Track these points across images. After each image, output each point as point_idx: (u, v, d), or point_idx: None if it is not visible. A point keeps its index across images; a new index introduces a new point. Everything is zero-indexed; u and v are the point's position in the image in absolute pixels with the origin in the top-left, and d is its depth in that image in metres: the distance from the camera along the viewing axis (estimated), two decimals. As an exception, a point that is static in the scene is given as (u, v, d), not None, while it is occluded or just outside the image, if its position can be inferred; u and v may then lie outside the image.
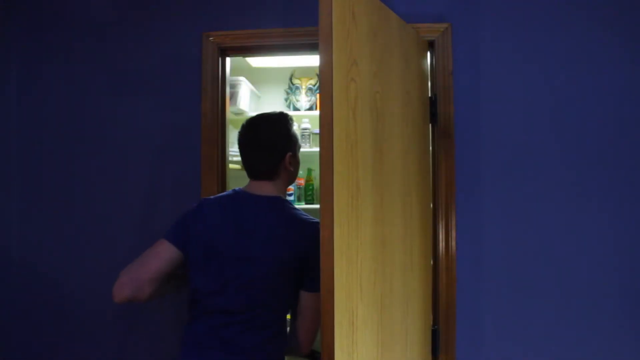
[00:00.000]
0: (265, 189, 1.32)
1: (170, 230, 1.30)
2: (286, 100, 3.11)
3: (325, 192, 1.03)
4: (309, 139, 2.93)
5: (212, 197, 1.37)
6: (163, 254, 1.26)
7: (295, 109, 3.05)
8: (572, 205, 1.59)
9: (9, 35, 1.84)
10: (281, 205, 1.31)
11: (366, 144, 1.18)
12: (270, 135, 1.32)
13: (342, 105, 1.08)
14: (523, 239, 1.61)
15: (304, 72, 3.10)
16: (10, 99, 1.83)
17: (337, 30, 1.06)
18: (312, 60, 2.76)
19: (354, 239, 1.10)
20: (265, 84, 3.12)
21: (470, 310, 1.61)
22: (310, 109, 3.03)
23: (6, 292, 1.81)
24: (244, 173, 1.37)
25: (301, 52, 2.11)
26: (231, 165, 1.97)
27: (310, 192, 2.96)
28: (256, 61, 2.80)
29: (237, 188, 1.36)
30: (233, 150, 2.27)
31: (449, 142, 1.63)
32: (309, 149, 2.91)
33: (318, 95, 2.87)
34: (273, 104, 3.11)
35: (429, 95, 1.67)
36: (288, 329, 1.34)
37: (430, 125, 1.67)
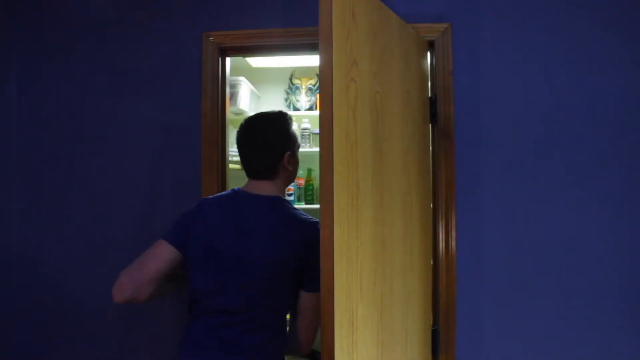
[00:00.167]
0: (265, 188, 1.31)
1: (170, 230, 1.30)
2: (286, 100, 3.11)
3: (325, 192, 1.03)
4: (309, 139, 2.93)
5: (211, 196, 1.37)
6: (162, 255, 1.26)
7: (295, 109, 3.05)
8: (572, 205, 1.59)
9: (9, 35, 1.84)
10: (281, 205, 1.30)
11: (366, 144, 1.18)
12: (268, 135, 1.31)
13: (342, 105, 1.08)
14: (523, 239, 1.61)
15: (304, 72, 3.10)
16: (10, 99, 1.83)
17: (337, 30, 1.06)
18: (312, 60, 2.75)
19: (354, 239, 1.10)
20: (265, 84, 3.12)
21: (470, 310, 1.61)
22: (310, 109, 3.03)
23: (6, 292, 1.81)
24: (244, 173, 1.36)
25: (301, 52, 2.11)
26: (231, 165, 1.97)
27: (310, 192, 2.96)
28: (256, 61, 2.80)
29: (236, 188, 1.36)
30: (233, 150, 2.26)
31: (449, 142, 1.63)
32: (309, 149, 2.91)
33: (318, 95, 2.87)
34: (273, 104, 3.11)
35: (429, 95, 1.67)
36: (288, 328, 1.34)
37: (430, 125, 1.67)
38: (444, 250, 1.62)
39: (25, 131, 1.82)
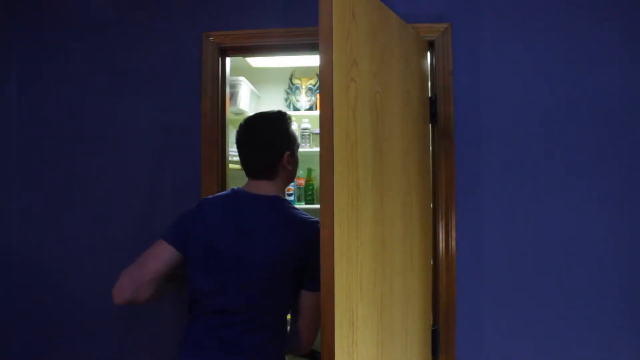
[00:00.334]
0: (264, 188, 1.31)
1: (169, 230, 1.30)
2: (286, 100, 3.12)
3: (325, 192, 1.03)
4: (309, 139, 2.93)
5: (210, 196, 1.37)
6: (162, 255, 1.26)
7: (295, 109, 3.05)
8: (572, 205, 1.59)
9: (9, 35, 1.84)
10: (281, 204, 1.30)
11: (366, 144, 1.18)
12: (268, 134, 1.31)
13: (342, 105, 1.08)
14: (523, 239, 1.61)
15: (304, 72, 3.10)
16: (10, 99, 1.83)
17: (337, 30, 1.06)
18: (312, 60, 2.75)
19: (354, 239, 1.10)
20: (265, 84, 3.12)
21: (470, 310, 1.61)
22: (310, 109, 3.03)
23: (6, 292, 1.81)
24: (244, 173, 1.36)
25: (301, 52, 2.11)
26: (231, 165, 1.97)
27: (310, 192, 2.96)
28: (256, 61, 2.80)
29: (235, 188, 1.36)
30: (233, 150, 2.26)
31: (449, 142, 1.63)
32: (309, 149, 2.91)
33: (318, 95, 2.88)
34: (273, 104, 3.11)
35: (429, 95, 1.67)
36: (288, 328, 1.34)
37: (430, 125, 1.67)
38: (444, 250, 1.62)
39: (25, 131, 1.82)
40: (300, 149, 3.00)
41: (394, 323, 1.31)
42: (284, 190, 1.38)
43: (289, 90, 3.11)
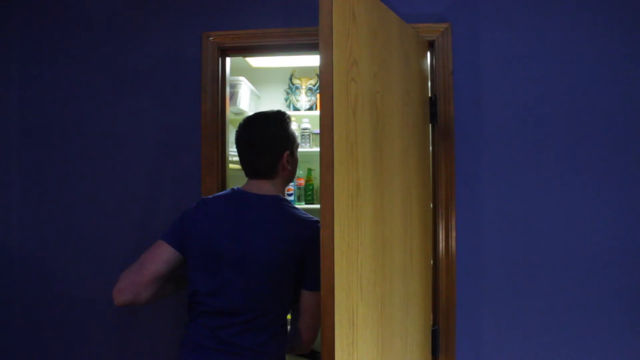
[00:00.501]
0: (264, 187, 1.31)
1: (168, 231, 1.30)
2: (286, 100, 3.12)
3: (325, 192, 1.03)
4: (309, 139, 2.93)
5: (210, 196, 1.36)
6: (161, 256, 1.26)
7: (295, 109, 3.05)
8: (572, 205, 1.59)
9: (9, 35, 1.84)
10: (280, 204, 1.30)
11: (366, 144, 1.18)
12: (267, 134, 1.31)
13: (342, 105, 1.08)
14: (523, 239, 1.61)
15: (304, 72, 3.10)
16: (11, 99, 1.83)
17: (337, 30, 1.06)
18: (312, 60, 2.76)
19: (354, 239, 1.10)
20: (265, 84, 3.13)
21: (470, 310, 1.61)
22: (310, 109, 3.03)
23: (6, 292, 1.81)
24: (244, 173, 1.36)
25: (301, 52, 2.11)
26: (231, 165, 1.97)
27: (310, 192, 2.97)
28: (256, 61, 2.80)
29: (235, 187, 1.36)
30: (233, 150, 2.26)
31: (449, 142, 1.63)
32: (309, 149, 2.91)
33: (318, 95, 2.88)
34: (273, 104, 3.11)
35: (429, 95, 1.67)
36: (289, 327, 1.34)
37: (430, 125, 1.67)
38: (444, 250, 1.62)
39: (26, 131, 1.82)
40: (300, 149, 3.01)
41: (394, 323, 1.31)
42: (284, 190, 1.38)
43: (289, 90, 3.11)
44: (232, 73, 2.00)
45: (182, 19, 1.76)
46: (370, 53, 1.22)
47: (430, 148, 1.68)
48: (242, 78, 2.67)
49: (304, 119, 2.96)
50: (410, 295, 1.42)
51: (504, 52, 1.64)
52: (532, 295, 1.60)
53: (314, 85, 3.05)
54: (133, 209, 1.75)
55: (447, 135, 1.63)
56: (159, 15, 1.77)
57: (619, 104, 1.59)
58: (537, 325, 1.59)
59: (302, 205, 2.93)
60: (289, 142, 1.34)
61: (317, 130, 2.74)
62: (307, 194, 2.96)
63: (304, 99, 3.05)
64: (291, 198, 2.93)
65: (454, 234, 1.62)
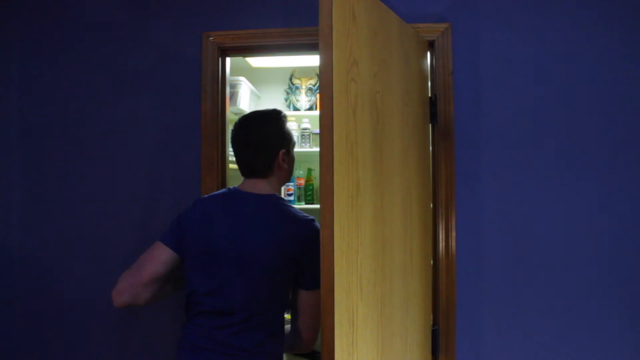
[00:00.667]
0: (260, 187, 1.31)
1: (166, 232, 1.30)
2: (286, 100, 3.12)
3: (325, 192, 1.03)
4: (309, 139, 2.93)
5: (206, 196, 1.36)
6: (159, 257, 1.26)
7: (295, 109, 3.05)
8: (573, 206, 1.59)
9: (10, 35, 1.84)
10: (276, 203, 1.30)
11: (366, 144, 1.18)
12: (262, 133, 1.30)
13: (342, 105, 1.08)
14: (523, 239, 1.61)
15: (304, 72, 3.10)
16: (10, 99, 1.83)
17: (337, 30, 1.06)
18: (312, 60, 2.76)
19: (354, 239, 1.10)
20: (265, 84, 3.13)
21: (470, 310, 1.61)
22: (310, 109, 3.03)
23: (6, 292, 1.81)
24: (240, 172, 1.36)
25: (301, 52, 2.11)
26: (231, 165, 1.97)
27: (310, 192, 2.97)
28: (256, 61, 2.80)
29: (231, 187, 1.35)
30: (233, 150, 2.26)
31: (449, 142, 1.63)
32: (309, 149, 2.91)
33: (318, 95, 2.88)
34: (273, 104, 3.11)
35: (429, 95, 1.67)
36: (289, 327, 1.34)
37: (430, 125, 1.67)
38: (444, 250, 1.62)
39: (26, 131, 1.82)
40: (300, 149, 3.03)
41: (394, 323, 1.31)
42: (280, 189, 1.38)
43: (289, 90, 3.11)
44: (232, 73, 2.00)
45: (182, 19, 1.76)
46: (370, 53, 1.22)
47: (430, 148, 1.68)
48: (242, 78, 2.67)
49: (304, 119, 2.96)
50: (410, 295, 1.42)
51: (504, 52, 1.64)
52: (532, 295, 1.60)
53: (314, 85, 3.05)
54: (133, 209, 1.75)
55: (447, 135, 1.63)
56: (159, 15, 1.77)
57: (619, 104, 1.59)
58: (537, 325, 1.59)
59: (302, 205, 2.93)
60: (285, 140, 1.33)
61: (317, 130, 2.74)
62: (307, 194, 2.96)
63: (304, 99, 3.05)
64: (291, 198, 2.93)
65: (454, 234, 1.62)
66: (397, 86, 1.38)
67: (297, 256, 1.24)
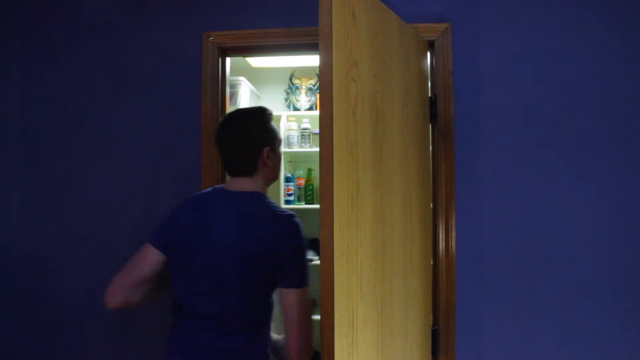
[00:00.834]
0: (244, 185, 1.28)
1: (154, 232, 1.29)
2: (286, 100, 3.12)
3: (325, 192, 1.03)
4: (309, 139, 2.93)
5: (195, 194, 1.33)
6: (147, 259, 1.25)
7: (295, 109, 3.05)
8: (572, 206, 1.59)
9: (10, 35, 1.84)
10: (258, 199, 1.26)
11: (366, 144, 1.18)
12: (246, 130, 1.28)
13: (342, 105, 1.08)
14: (523, 239, 1.61)
15: (304, 72, 3.10)
16: (10, 99, 1.83)
17: (337, 30, 1.06)
18: (312, 60, 2.76)
19: (354, 239, 1.10)
20: (265, 84, 3.13)
21: (470, 310, 1.61)
22: (310, 109, 3.03)
23: (7, 292, 1.81)
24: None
25: (301, 52, 2.11)
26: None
27: (310, 192, 2.96)
28: (256, 61, 2.80)
29: (217, 185, 1.33)
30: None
31: (449, 142, 1.63)
32: (309, 149, 2.92)
33: (318, 95, 2.88)
34: (273, 104, 3.11)
35: (429, 95, 1.67)
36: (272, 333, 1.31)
37: (430, 125, 1.67)
38: (444, 250, 1.62)
39: (26, 131, 1.82)
40: (300, 149, 3.02)
41: (394, 323, 1.31)
42: (266, 187, 1.34)
43: (289, 90, 3.11)
44: (232, 73, 2.00)
45: (182, 19, 1.76)
46: (370, 53, 1.22)
47: (430, 148, 1.68)
48: (242, 78, 2.68)
49: (304, 119, 2.96)
50: (410, 295, 1.42)
51: (504, 52, 1.64)
52: (532, 295, 1.59)
53: (314, 85, 3.05)
54: (133, 209, 1.75)
55: (447, 135, 1.63)
56: (159, 15, 1.77)
57: (619, 104, 1.59)
58: (537, 325, 1.59)
59: (302, 206, 2.93)
60: (269, 138, 1.30)
61: (317, 130, 2.74)
62: (307, 194, 2.96)
63: (304, 99, 3.05)
64: (291, 198, 2.93)
65: (454, 234, 1.62)
66: (397, 86, 1.38)
67: (277, 253, 1.19)
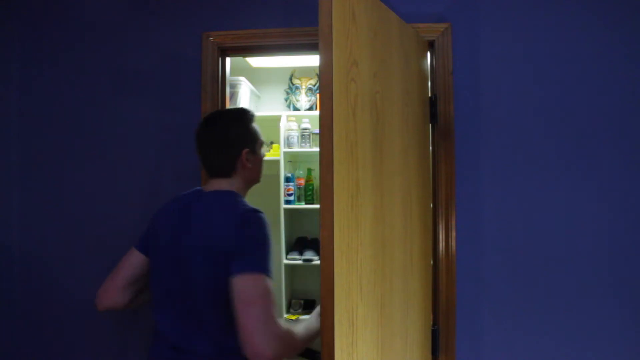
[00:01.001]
0: (221, 185, 1.25)
1: (139, 236, 1.31)
2: (286, 100, 3.12)
3: (325, 192, 1.03)
4: (309, 139, 2.93)
5: (174, 196, 1.32)
6: (132, 262, 1.27)
7: (295, 109, 3.05)
8: (572, 206, 1.59)
9: (10, 35, 1.84)
10: (225, 197, 1.21)
11: (366, 144, 1.18)
12: (224, 132, 1.26)
13: (342, 105, 1.08)
14: (523, 239, 1.61)
15: (304, 72, 3.10)
16: (10, 99, 1.83)
17: (337, 30, 1.06)
18: (312, 60, 2.76)
19: (354, 239, 1.10)
20: (265, 84, 3.13)
21: (470, 310, 1.61)
22: (310, 109, 3.03)
23: (7, 293, 1.81)
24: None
25: (301, 52, 2.11)
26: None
27: (310, 192, 2.96)
28: (256, 61, 2.80)
29: (198, 187, 1.32)
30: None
31: (449, 142, 1.63)
32: (309, 149, 2.91)
33: (318, 95, 2.88)
34: (273, 104, 3.11)
35: (429, 95, 1.67)
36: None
37: (430, 125, 1.67)
38: (444, 250, 1.62)
39: (26, 131, 1.82)
40: (300, 149, 3.02)
41: (394, 323, 1.31)
42: (246, 189, 1.31)
43: (289, 90, 3.11)
44: (232, 73, 2.00)
45: (182, 19, 1.76)
46: (370, 53, 1.22)
47: (430, 148, 1.68)
48: (242, 78, 2.67)
49: (304, 119, 2.95)
50: (410, 295, 1.42)
51: (504, 52, 1.64)
52: (532, 295, 1.59)
53: (314, 85, 3.05)
54: (133, 209, 1.75)
55: (447, 135, 1.63)
56: (159, 15, 1.77)
57: (619, 104, 1.59)
58: (537, 325, 1.59)
59: (302, 206, 2.93)
60: (249, 139, 1.29)
61: (317, 130, 2.74)
62: (307, 194, 2.96)
63: (304, 99, 3.05)
64: (291, 198, 2.93)
65: (454, 234, 1.62)
66: (397, 86, 1.38)
67: (230, 245, 1.10)
